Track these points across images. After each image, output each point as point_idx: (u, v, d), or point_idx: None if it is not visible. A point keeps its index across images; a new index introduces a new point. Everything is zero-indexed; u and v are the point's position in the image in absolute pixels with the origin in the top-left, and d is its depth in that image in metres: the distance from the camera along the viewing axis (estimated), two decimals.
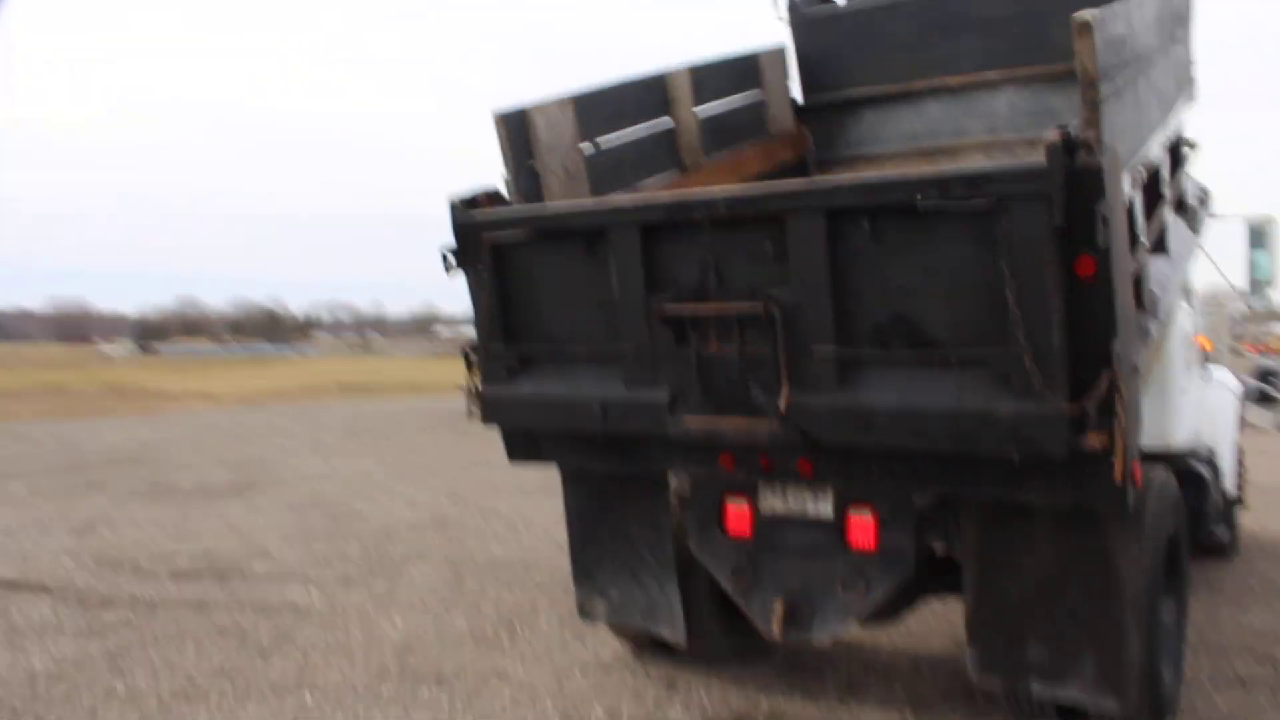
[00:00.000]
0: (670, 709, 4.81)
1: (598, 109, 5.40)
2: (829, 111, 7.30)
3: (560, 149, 5.11)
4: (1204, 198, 6.18)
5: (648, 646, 5.45)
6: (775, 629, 4.43)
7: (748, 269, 3.87)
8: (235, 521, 9.69)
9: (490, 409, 4.66)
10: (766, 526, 4.58)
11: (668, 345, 4.08)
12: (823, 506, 4.43)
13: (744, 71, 6.74)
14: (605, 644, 5.69)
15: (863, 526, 4.36)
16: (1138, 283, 4.26)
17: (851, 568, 4.36)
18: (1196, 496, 6.69)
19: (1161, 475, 4.55)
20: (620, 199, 4.46)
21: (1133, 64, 4.10)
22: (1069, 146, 3.25)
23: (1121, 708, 3.95)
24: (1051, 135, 3.22)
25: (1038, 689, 4.08)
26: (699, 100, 6.24)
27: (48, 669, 5.37)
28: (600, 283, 4.20)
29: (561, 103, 5.14)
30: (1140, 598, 4.14)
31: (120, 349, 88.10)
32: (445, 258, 4.58)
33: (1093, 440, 3.35)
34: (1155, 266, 4.73)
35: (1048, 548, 4.03)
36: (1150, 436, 6.54)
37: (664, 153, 5.96)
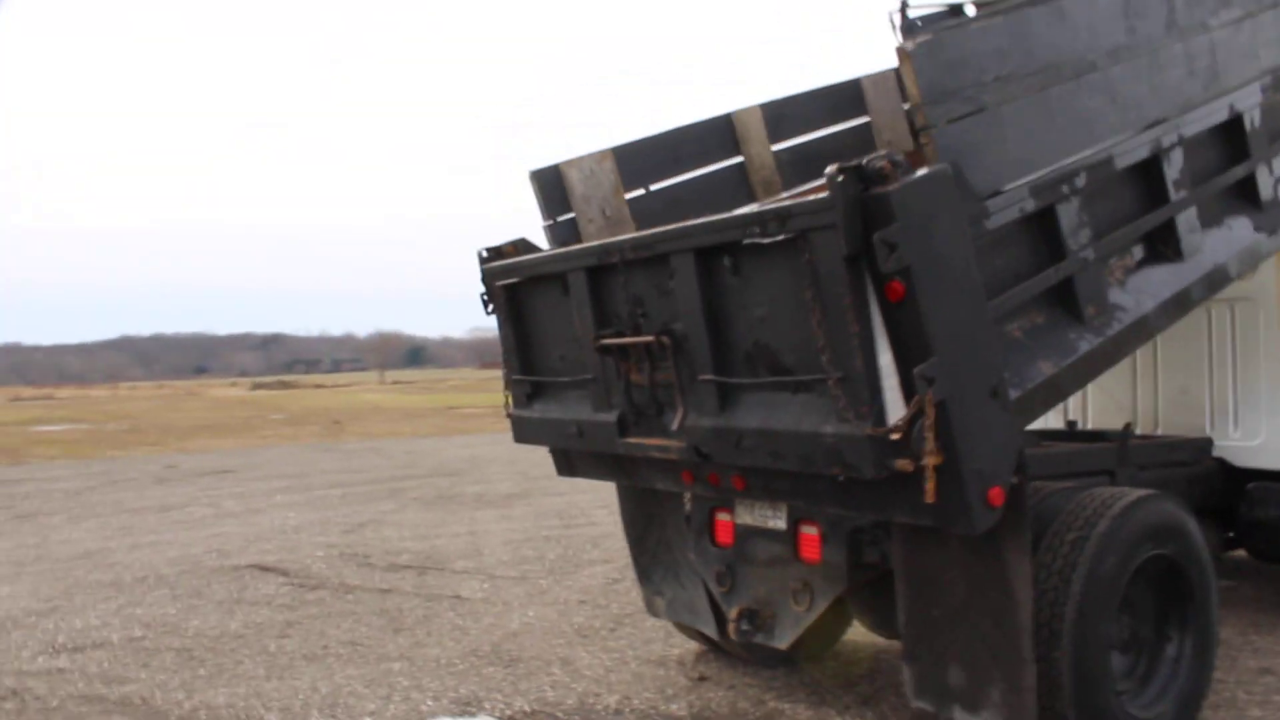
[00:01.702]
0: (675, 703, 5.25)
1: (647, 156, 5.94)
2: None
3: (598, 198, 5.74)
4: None
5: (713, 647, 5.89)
6: (731, 632, 4.78)
7: (660, 305, 4.31)
8: (479, 526, 11.09)
9: (517, 429, 5.42)
10: (743, 537, 4.94)
11: (613, 373, 4.62)
12: (779, 520, 4.73)
13: (841, 99, 6.93)
14: (682, 645, 6.17)
15: (810, 540, 4.61)
16: (1069, 294, 4.16)
17: (801, 579, 4.62)
18: None
19: (1131, 497, 4.34)
20: (572, 249, 5.03)
21: (1037, 74, 4.05)
22: (862, 177, 3.44)
23: None
24: (831, 169, 3.44)
25: (959, 715, 4.09)
26: (780, 135, 6.56)
27: (236, 630, 6.81)
28: (571, 320, 4.82)
29: (601, 155, 5.77)
30: (1061, 626, 4.04)
31: None
32: (483, 300, 5.42)
33: (902, 464, 3.47)
34: (1139, 277, 4.52)
35: (959, 570, 4.05)
36: (1269, 455, 5.97)
37: (734, 190, 6.36)
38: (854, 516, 4.32)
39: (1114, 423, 6.13)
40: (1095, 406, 6.92)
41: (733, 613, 4.80)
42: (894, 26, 7.49)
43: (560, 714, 5.14)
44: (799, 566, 4.65)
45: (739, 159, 6.38)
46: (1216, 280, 4.82)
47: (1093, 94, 4.28)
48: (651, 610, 5.82)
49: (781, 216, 3.62)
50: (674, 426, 4.22)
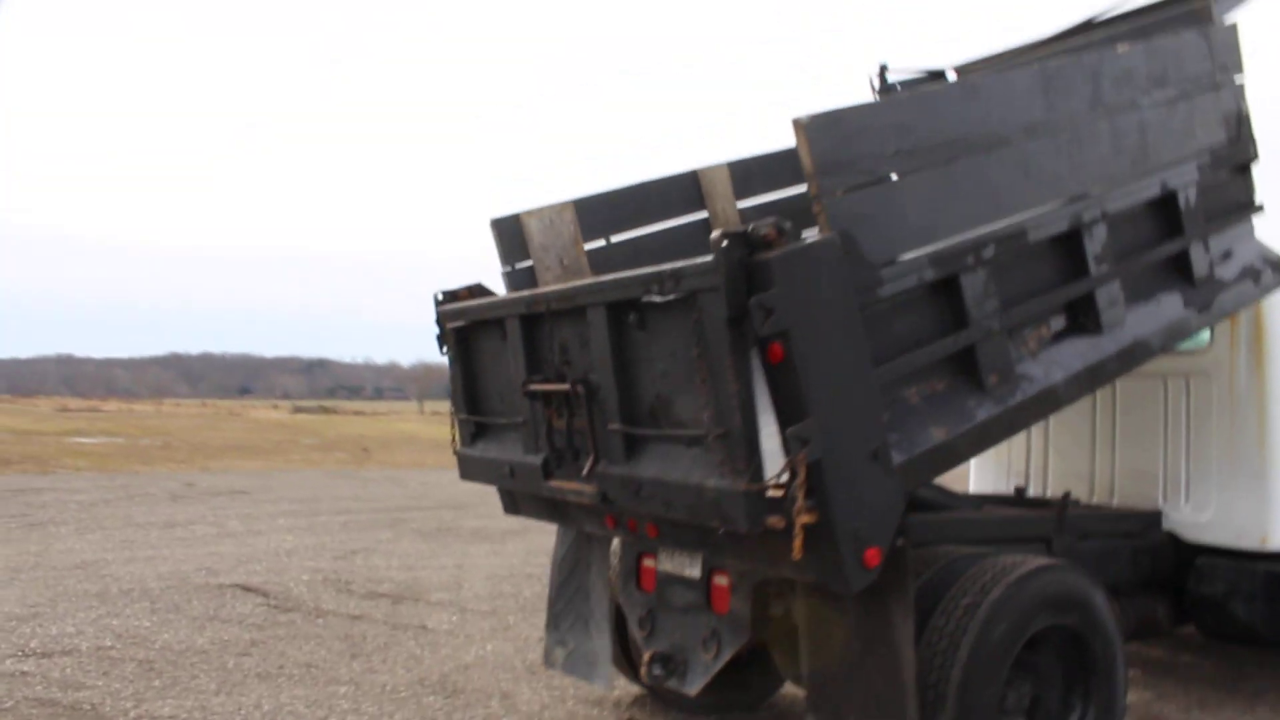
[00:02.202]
0: None
1: (611, 209, 6.17)
2: None
3: (557, 247, 5.98)
4: (1263, 267, 5.63)
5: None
6: (644, 676, 4.91)
7: (581, 355, 4.51)
8: (468, 560, 11.28)
9: (462, 467, 5.63)
10: (663, 584, 5.08)
11: (540, 418, 4.81)
12: (695, 570, 4.87)
13: None
14: (623, 686, 6.28)
15: (720, 590, 4.75)
16: (970, 361, 4.29)
17: (710, 628, 4.76)
18: None
19: (1029, 566, 4.43)
20: (507, 297, 5.26)
21: (942, 148, 4.20)
22: (748, 242, 3.63)
23: None
24: (716, 234, 3.64)
25: None
26: (748, 192, 6.76)
27: (202, 645, 7.04)
28: (509, 364, 5.03)
29: (561, 206, 6.02)
30: (947, 689, 4.13)
31: None
32: (438, 341, 5.66)
33: (774, 520, 3.62)
34: (1055, 348, 4.63)
35: (853, 627, 4.16)
36: (1237, 533, 5.98)
37: (697, 243, 6.56)
38: (749, 568, 4.45)
39: (1072, 490, 6.18)
40: (1055, 473, 6.98)
41: (646, 656, 4.93)
42: (873, 90, 7.70)
43: None
44: (709, 616, 4.78)
45: (703, 214, 6.59)
46: (1136, 355, 4.91)
47: (1003, 168, 4.41)
48: (549, 661, 5.79)
49: (676, 277, 3.82)
50: (584, 472, 4.40)
